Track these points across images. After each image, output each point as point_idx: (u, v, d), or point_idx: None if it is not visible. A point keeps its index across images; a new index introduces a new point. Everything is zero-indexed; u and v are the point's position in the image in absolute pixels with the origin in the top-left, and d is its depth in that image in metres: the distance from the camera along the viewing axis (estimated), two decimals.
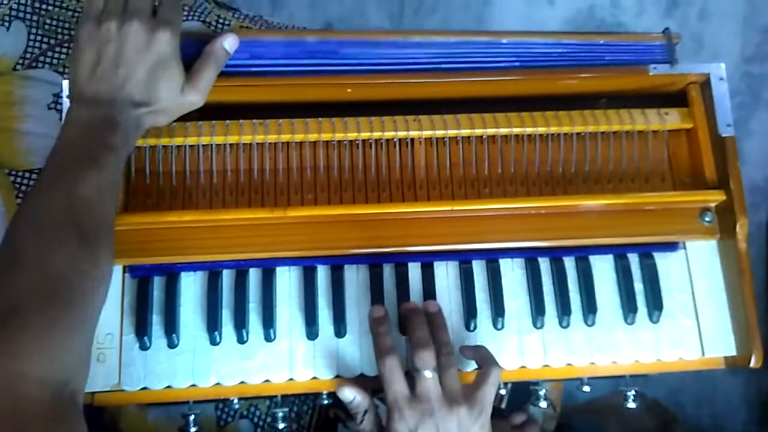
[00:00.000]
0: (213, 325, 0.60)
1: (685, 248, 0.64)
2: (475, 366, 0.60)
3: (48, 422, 0.45)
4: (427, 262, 0.63)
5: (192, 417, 0.61)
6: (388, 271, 0.63)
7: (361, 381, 0.60)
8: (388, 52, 0.64)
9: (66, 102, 0.59)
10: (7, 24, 0.77)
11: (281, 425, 0.62)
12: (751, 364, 0.60)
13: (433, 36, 0.65)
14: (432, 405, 0.54)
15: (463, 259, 0.63)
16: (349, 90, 0.64)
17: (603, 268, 0.64)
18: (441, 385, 0.55)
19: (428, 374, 0.54)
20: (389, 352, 0.56)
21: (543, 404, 0.65)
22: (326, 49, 0.64)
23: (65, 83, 0.60)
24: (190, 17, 0.80)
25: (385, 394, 0.55)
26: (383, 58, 0.64)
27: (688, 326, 0.63)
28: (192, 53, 0.61)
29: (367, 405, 0.57)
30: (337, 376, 0.60)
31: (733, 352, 0.62)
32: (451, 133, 0.64)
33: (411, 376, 0.56)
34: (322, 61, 0.64)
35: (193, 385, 0.59)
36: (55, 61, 0.78)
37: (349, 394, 0.57)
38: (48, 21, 0.78)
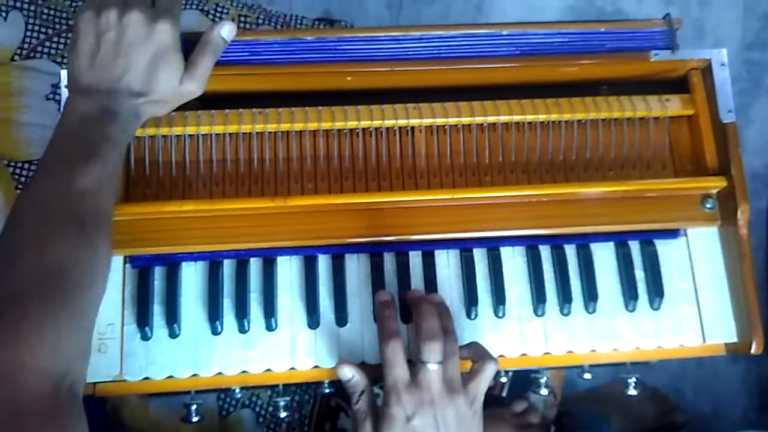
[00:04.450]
0: (214, 314, 0.60)
1: (686, 235, 0.64)
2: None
3: (46, 415, 0.45)
4: (428, 250, 0.63)
5: (194, 407, 0.61)
6: (389, 260, 0.63)
7: (362, 367, 0.60)
8: (386, 47, 0.64)
9: (64, 92, 0.59)
10: (4, 14, 0.77)
11: (283, 414, 0.62)
12: (752, 351, 0.60)
13: (433, 30, 0.64)
14: (432, 394, 0.53)
15: (464, 248, 0.63)
16: (348, 78, 0.64)
17: (604, 255, 0.64)
18: (443, 373, 0.54)
19: (433, 367, 0.54)
20: (394, 336, 0.56)
21: (544, 392, 0.65)
22: (324, 47, 0.64)
23: (63, 73, 0.60)
24: (188, 6, 0.80)
25: (385, 377, 0.55)
26: (382, 52, 0.64)
27: (689, 313, 0.63)
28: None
29: (365, 386, 0.56)
30: None
31: (734, 339, 0.62)
32: (452, 120, 0.64)
33: (413, 363, 0.55)
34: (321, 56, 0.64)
35: (195, 375, 0.59)
36: (53, 52, 0.77)
37: (348, 373, 0.56)
38: (45, 11, 0.78)
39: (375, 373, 0.58)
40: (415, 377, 0.54)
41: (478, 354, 0.58)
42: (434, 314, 0.56)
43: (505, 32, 0.65)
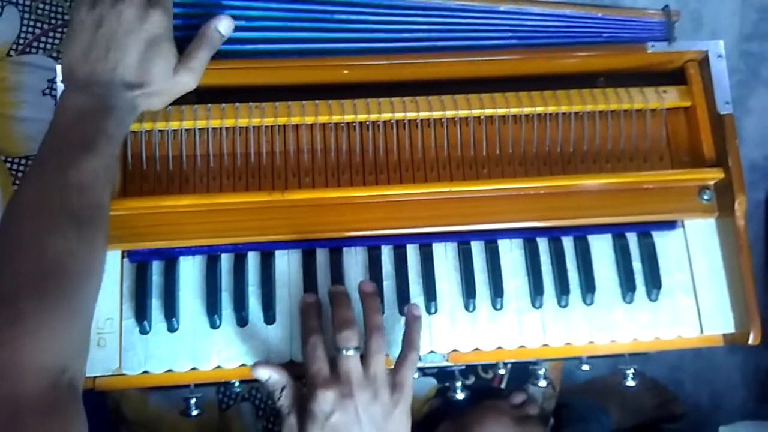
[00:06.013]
0: (213, 308, 0.60)
1: (683, 226, 0.64)
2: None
3: (45, 411, 0.45)
4: (426, 243, 0.63)
5: (193, 400, 0.61)
6: (386, 253, 0.63)
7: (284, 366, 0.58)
8: (383, 11, 0.64)
9: (61, 87, 0.59)
10: None
11: None
12: (750, 341, 0.61)
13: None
14: (352, 387, 0.53)
15: (462, 240, 0.63)
16: (345, 72, 0.64)
17: (601, 247, 0.64)
18: (366, 368, 0.54)
19: (349, 353, 0.54)
20: (314, 332, 0.56)
21: (542, 383, 0.65)
22: (321, 9, 0.64)
23: (59, 68, 0.60)
24: None
25: (306, 373, 0.55)
26: (378, 22, 0.64)
27: (686, 304, 0.63)
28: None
29: (284, 382, 0.56)
30: None
31: (731, 330, 0.62)
32: (449, 113, 0.64)
33: (335, 359, 0.55)
34: (315, 25, 0.64)
35: (194, 369, 0.60)
36: (49, 47, 0.77)
37: (264, 374, 0.56)
38: (41, 6, 0.77)
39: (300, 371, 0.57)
40: (334, 369, 0.54)
41: (408, 338, 0.58)
42: (347, 304, 0.57)
43: (502, 7, 0.65)
